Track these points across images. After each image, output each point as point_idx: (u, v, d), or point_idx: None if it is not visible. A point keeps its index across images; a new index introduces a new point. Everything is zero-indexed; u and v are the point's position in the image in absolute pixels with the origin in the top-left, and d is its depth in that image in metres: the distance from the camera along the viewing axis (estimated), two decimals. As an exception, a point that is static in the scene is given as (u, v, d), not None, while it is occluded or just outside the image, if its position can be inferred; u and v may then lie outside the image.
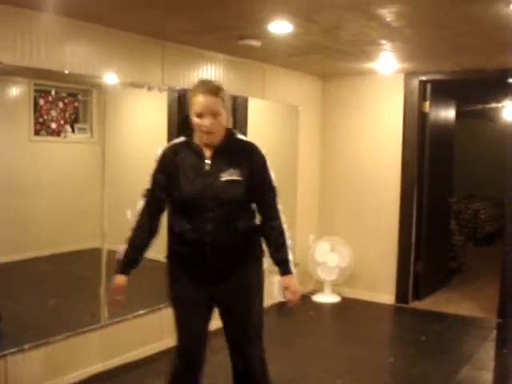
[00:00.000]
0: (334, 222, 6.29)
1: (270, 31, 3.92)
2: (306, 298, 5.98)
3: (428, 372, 4.16)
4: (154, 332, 4.41)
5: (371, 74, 5.81)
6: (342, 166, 6.23)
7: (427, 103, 5.83)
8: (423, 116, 5.84)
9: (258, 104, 5.49)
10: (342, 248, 5.91)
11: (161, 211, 2.83)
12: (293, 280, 2.77)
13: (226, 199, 2.67)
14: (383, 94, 5.92)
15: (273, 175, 2.81)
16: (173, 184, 2.72)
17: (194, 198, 2.67)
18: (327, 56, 4.92)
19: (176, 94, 4.57)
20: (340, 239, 5.96)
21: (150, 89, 4.40)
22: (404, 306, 5.86)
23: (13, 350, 3.49)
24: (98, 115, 5.70)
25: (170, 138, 5.77)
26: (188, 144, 2.76)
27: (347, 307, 5.88)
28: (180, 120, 4.54)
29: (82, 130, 6.39)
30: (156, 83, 4.40)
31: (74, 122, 6.38)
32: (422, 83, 5.75)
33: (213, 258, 2.70)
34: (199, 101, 2.63)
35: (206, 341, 2.88)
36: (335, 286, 6.07)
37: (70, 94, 6.30)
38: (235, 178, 2.68)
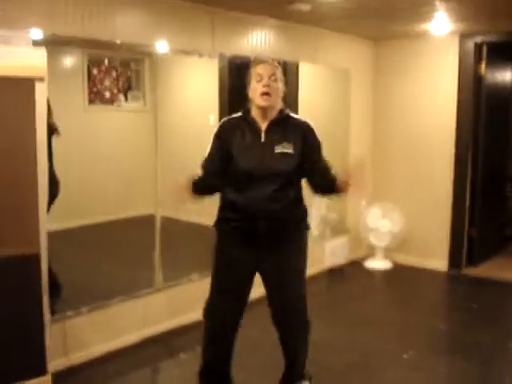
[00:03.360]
0: (386, 188, 6.22)
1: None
2: (357, 264, 5.99)
3: (479, 339, 4.12)
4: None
5: (424, 37, 5.64)
6: (395, 131, 6.14)
7: (483, 65, 5.64)
8: (479, 79, 5.66)
9: (309, 68, 5.43)
10: (394, 214, 5.86)
11: (218, 179, 2.89)
12: None
13: (279, 170, 2.80)
14: (437, 56, 5.76)
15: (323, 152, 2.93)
16: (229, 154, 2.82)
17: (249, 168, 2.79)
18: (379, 18, 4.81)
19: (227, 61, 4.57)
20: (392, 205, 5.90)
21: (200, 56, 4.41)
22: (457, 272, 5.78)
23: (70, 313, 3.63)
24: (151, 83, 5.76)
25: (221, 105, 5.81)
26: (245, 117, 2.89)
27: (399, 273, 5.85)
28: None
29: (135, 98, 6.47)
30: (206, 50, 4.41)
31: (127, 90, 6.46)
32: (478, 45, 5.55)
33: (264, 226, 2.81)
34: (259, 67, 2.80)
35: (244, 305, 2.98)
36: (387, 252, 6.04)
37: (122, 63, 6.37)
38: (289, 151, 2.81)
